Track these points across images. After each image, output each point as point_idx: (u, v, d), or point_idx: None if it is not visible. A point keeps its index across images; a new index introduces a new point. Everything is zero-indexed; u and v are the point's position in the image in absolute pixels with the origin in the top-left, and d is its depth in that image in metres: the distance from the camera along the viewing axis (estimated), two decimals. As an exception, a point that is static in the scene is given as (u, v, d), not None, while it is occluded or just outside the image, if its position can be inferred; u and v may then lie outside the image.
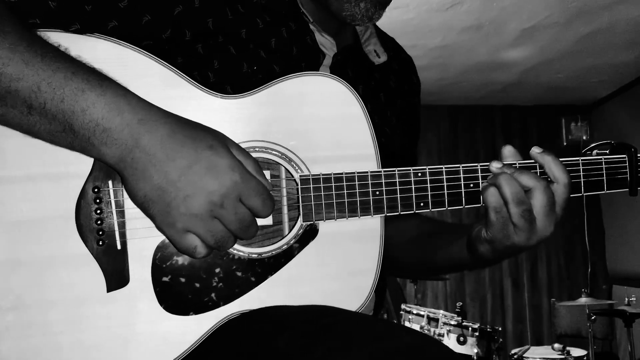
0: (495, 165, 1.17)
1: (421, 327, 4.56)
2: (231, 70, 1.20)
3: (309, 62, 1.31)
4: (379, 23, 1.51)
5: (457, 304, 4.90)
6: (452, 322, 4.50)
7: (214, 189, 1.00)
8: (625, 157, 1.26)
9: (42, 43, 0.98)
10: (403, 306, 4.85)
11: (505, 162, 1.18)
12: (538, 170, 1.19)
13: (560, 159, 1.19)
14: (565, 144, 7.44)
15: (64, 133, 0.98)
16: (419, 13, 5.01)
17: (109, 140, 0.98)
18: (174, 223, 1.01)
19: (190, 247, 1.02)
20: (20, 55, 0.94)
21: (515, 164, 1.19)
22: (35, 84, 0.95)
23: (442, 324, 4.53)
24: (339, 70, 1.36)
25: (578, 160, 1.24)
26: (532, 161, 1.19)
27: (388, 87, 1.52)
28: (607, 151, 1.28)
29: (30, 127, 0.98)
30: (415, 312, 4.71)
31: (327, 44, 1.36)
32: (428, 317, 4.61)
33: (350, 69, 1.40)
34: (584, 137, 7.37)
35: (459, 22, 5.22)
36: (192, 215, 1.00)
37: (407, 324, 4.68)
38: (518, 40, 5.60)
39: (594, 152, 1.29)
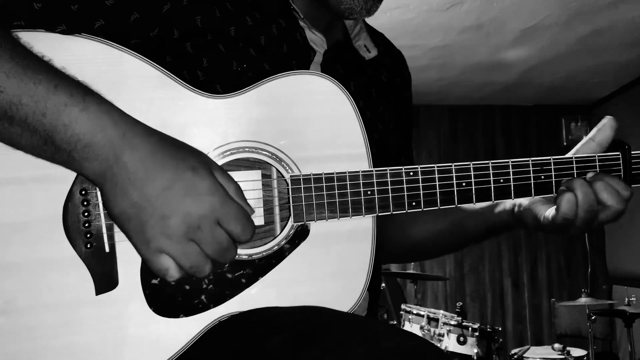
0: (589, 176, 1.22)
1: (421, 327, 4.56)
2: (220, 69, 1.19)
3: (299, 59, 1.30)
4: (378, 22, 1.50)
5: (457, 304, 4.89)
6: (452, 322, 4.49)
7: (192, 211, 0.98)
8: (619, 155, 1.26)
9: (24, 54, 0.97)
10: (403, 306, 4.84)
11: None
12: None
13: (558, 157, 1.23)
14: (565, 144, 7.43)
15: (45, 146, 0.97)
16: (419, 13, 5.01)
17: (90, 156, 0.96)
18: (149, 242, 0.99)
19: (162, 268, 1.00)
20: (1, 67, 0.93)
21: (595, 168, 1.25)
22: (16, 97, 0.93)
23: (442, 324, 4.52)
24: (329, 67, 1.35)
25: (572, 158, 1.24)
26: (616, 153, 1.26)
27: (380, 82, 1.51)
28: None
29: (11, 138, 0.97)
30: (415, 312, 4.70)
31: (317, 40, 1.35)
32: (428, 317, 4.61)
33: (341, 65, 1.39)
34: (584, 137, 7.35)
35: (459, 22, 5.21)
36: (167, 235, 0.98)
37: (407, 323, 4.68)
38: (518, 40, 5.60)
39: None
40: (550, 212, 1.22)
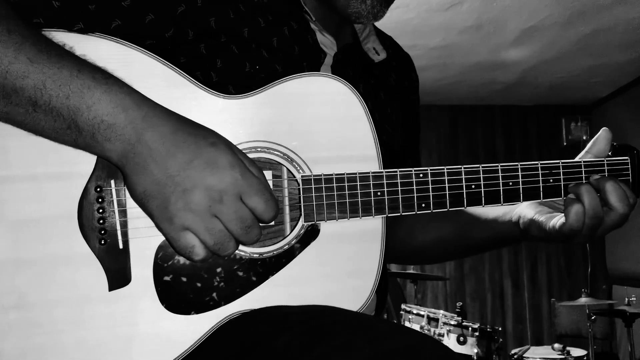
0: (594, 178, 1.23)
1: (421, 327, 4.56)
2: (234, 70, 1.20)
3: (310, 61, 1.31)
4: (378, 22, 1.51)
5: (457, 304, 4.89)
6: (452, 322, 4.49)
7: (213, 184, 0.99)
8: (627, 159, 1.27)
9: (47, 42, 0.99)
10: (403, 306, 4.85)
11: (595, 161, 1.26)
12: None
13: (566, 161, 1.24)
14: (565, 144, 7.44)
15: (68, 130, 0.98)
16: (419, 13, 5.01)
17: (112, 136, 0.98)
18: (172, 218, 0.99)
19: (188, 246, 1.00)
20: (26, 54, 0.95)
21: (604, 172, 1.26)
22: (40, 82, 0.95)
23: (442, 324, 4.53)
24: (340, 69, 1.36)
25: (580, 162, 1.25)
26: (625, 158, 1.27)
27: (388, 84, 1.52)
28: (609, 153, 1.28)
29: (34, 124, 0.98)
30: (415, 312, 4.71)
31: (327, 43, 1.37)
32: (428, 317, 4.61)
33: (351, 67, 1.40)
34: (584, 137, 7.37)
35: (459, 22, 5.22)
36: (190, 210, 0.98)
37: (407, 324, 4.68)
38: (518, 40, 5.60)
39: None
40: (556, 222, 1.23)
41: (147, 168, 0.98)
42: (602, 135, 1.29)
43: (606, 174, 1.25)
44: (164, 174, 0.98)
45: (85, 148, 1.01)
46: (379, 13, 1.32)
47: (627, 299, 5.14)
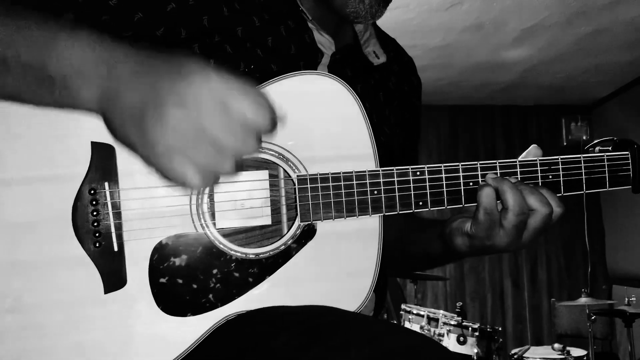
0: (490, 176, 1.18)
1: (421, 327, 4.56)
2: (228, 70, 1.19)
3: (307, 61, 1.30)
4: (378, 22, 1.51)
5: (457, 304, 4.89)
6: (452, 322, 4.49)
7: (186, 92, 0.87)
8: (627, 154, 1.26)
9: (25, 12, 0.97)
10: (403, 306, 4.84)
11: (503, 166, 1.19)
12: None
13: (565, 157, 1.23)
14: (565, 144, 7.44)
15: (43, 83, 0.95)
16: (419, 13, 5.01)
17: (84, 80, 0.93)
18: (154, 146, 0.88)
19: (179, 171, 0.88)
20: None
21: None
22: (10, 38, 0.94)
23: (442, 324, 4.52)
24: (337, 69, 1.35)
25: (580, 157, 1.24)
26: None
27: (387, 87, 1.51)
28: (610, 148, 1.28)
29: (12, 87, 0.96)
30: (415, 312, 4.70)
31: (325, 42, 1.36)
32: (428, 317, 4.61)
33: (349, 68, 1.39)
34: (584, 137, 7.37)
35: (459, 22, 5.22)
36: (168, 128, 0.86)
37: (407, 324, 4.68)
38: (518, 40, 5.60)
39: (596, 149, 1.29)
40: (473, 218, 1.19)
41: (121, 99, 0.91)
42: (532, 152, 1.26)
43: (606, 169, 1.25)
44: (135, 97, 0.90)
45: (63, 101, 0.96)
46: (377, 13, 1.31)
47: (627, 299, 5.14)
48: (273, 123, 0.89)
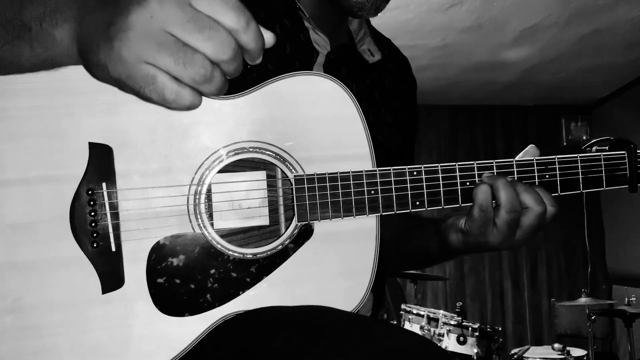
0: (487, 175, 1.18)
1: (421, 327, 4.56)
2: None
3: (302, 60, 1.30)
4: (378, 22, 1.51)
5: (457, 304, 4.89)
6: (452, 322, 4.49)
7: None
8: (624, 153, 1.26)
9: None
10: (403, 306, 4.84)
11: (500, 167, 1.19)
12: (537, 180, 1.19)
13: (562, 156, 1.23)
14: (565, 144, 7.44)
15: (21, 35, 0.92)
16: (419, 13, 5.01)
17: (60, 20, 0.91)
18: (127, 59, 0.82)
19: (148, 77, 0.83)
20: None
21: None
22: None
23: (442, 324, 4.52)
24: (332, 68, 1.35)
25: (577, 157, 1.24)
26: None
27: (383, 86, 1.51)
28: (607, 147, 1.28)
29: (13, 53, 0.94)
30: (415, 312, 4.70)
31: (320, 42, 1.36)
32: (428, 317, 4.61)
33: (344, 67, 1.39)
34: (584, 137, 7.37)
35: (459, 22, 5.22)
36: (136, 36, 0.81)
37: (407, 324, 4.68)
38: (518, 40, 5.60)
39: (593, 148, 1.29)
40: (467, 215, 1.20)
41: (94, 26, 0.87)
42: (529, 151, 1.26)
43: (603, 168, 1.25)
44: (107, 16, 0.85)
45: (43, 53, 0.94)
46: (381, 6, 1.32)
47: (627, 299, 5.14)
48: (247, 22, 0.84)
